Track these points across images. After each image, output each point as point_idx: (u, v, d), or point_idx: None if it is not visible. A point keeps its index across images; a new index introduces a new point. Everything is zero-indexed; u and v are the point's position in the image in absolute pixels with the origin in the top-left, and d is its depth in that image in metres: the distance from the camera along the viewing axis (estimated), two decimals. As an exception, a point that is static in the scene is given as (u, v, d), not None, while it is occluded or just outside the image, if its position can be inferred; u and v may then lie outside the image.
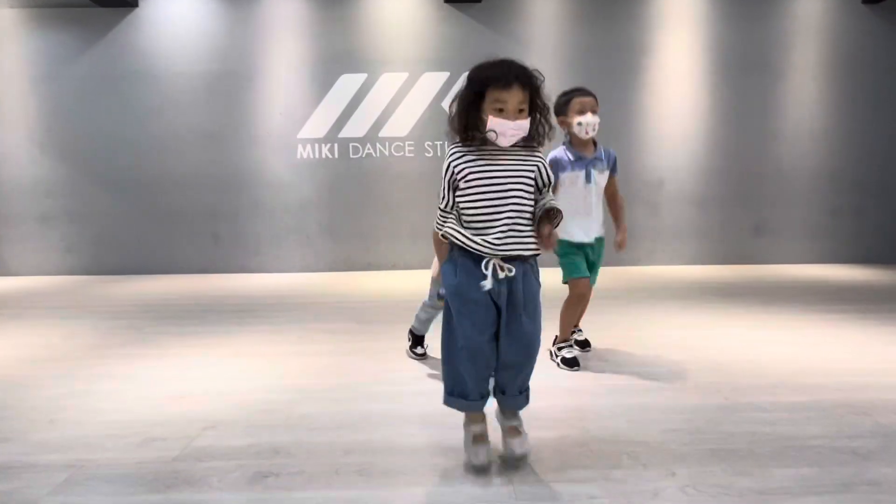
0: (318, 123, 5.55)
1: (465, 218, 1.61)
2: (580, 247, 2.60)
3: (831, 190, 5.71)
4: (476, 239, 1.55)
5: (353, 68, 5.50)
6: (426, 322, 2.76)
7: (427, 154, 5.57)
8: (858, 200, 5.72)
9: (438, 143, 5.55)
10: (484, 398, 1.68)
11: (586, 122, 2.48)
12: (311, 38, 5.49)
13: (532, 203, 1.60)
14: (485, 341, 1.59)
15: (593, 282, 2.69)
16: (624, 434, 1.90)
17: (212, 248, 5.69)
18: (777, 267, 5.52)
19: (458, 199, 1.60)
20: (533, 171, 1.60)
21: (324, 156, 5.59)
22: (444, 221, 1.65)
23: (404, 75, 5.52)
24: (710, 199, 5.69)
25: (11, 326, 3.57)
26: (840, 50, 5.62)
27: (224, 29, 5.45)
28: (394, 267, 5.65)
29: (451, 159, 1.60)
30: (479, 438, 1.68)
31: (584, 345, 2.89)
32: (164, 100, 5.51)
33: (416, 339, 2.78)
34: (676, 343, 2.99)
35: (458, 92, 1.58)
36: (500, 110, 1.50)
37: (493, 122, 1.51)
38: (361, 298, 4.31)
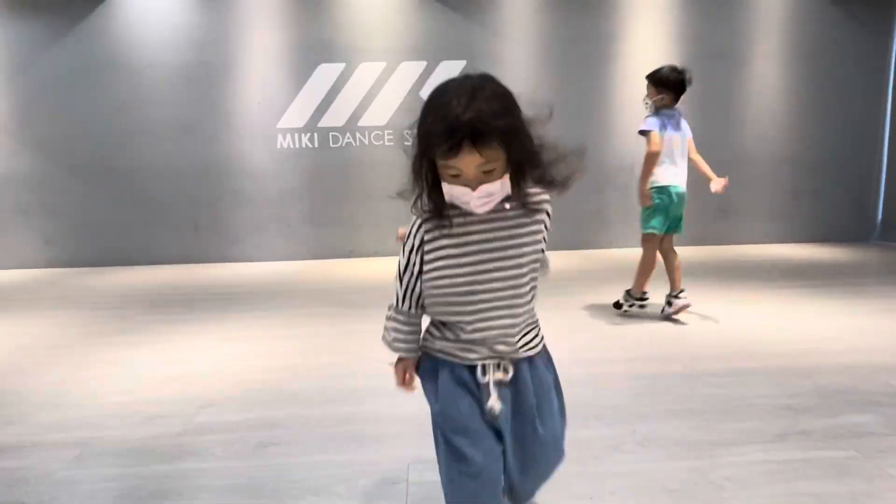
0: (298, 113, 5.60)
1: (437, 312, 1.13)
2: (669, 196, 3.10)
3: (791, 173, 6.01)
4: (455, 347, 1.10)
5: (331, 58, 5.56)
6: None
7: (406, 143, 5.65)
8: (817, 183, 6.03)
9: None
10: None
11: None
12: (288, 27, 5.52)
13: (534, 283, 1.13)
14: (493, 462, 1.10)
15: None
16: (591, 399, 2.10)
17: (192, 239, 5.73)
18: (740, 247, 5.80)
19: (426, 291, 1.11)
20: (537, 236, 1.12)
21: (304, 145, 5.65)
22: (396, 330, 1.16)
23: (382, 64, 5.59)
24: (678, 183, 5.93)
25: (0, 318, 3.62)
26: (801, 39, 5.87)
27: (200, 18, 5.44)
28: (375, 254, 5.77)
29: (423, 233, 1.09)
30: None
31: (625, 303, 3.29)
32: (141, 90, 5.50)
33: None
34: (643, 318, 3.21)
35: (413, 142, 1.07)
36: (456, 176, 1.00)
37: (449, 191, 1.02)
38: (344, 284, 4.44)
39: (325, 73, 5.56)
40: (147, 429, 1.96)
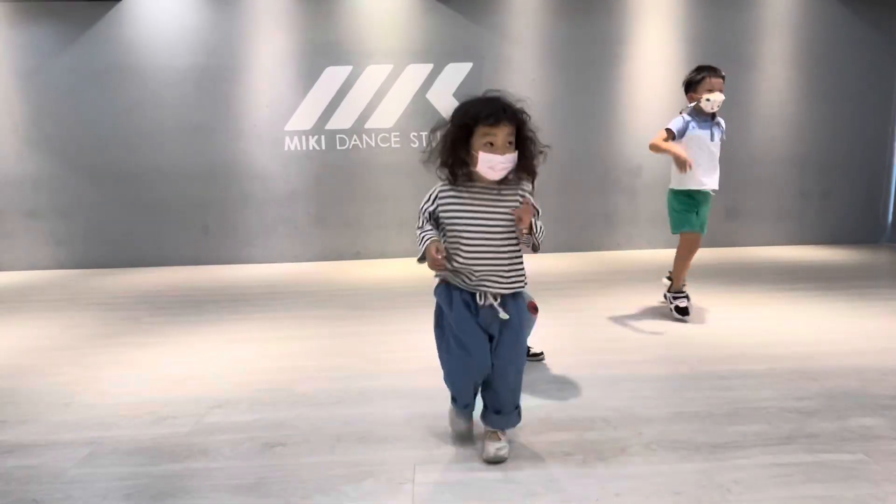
0: (305, 116, 5.64)
1: (449, 250, 1.65)
2: (695, 199, 3.17)
3: (799, 174, 5.97)
4: (460, 277, 1.65)
5: (339, 60, 5.58)
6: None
7: (412, 145, 5.70)
8: (825, 184, 5.99)
9: (423, 133, 5.69)
10: (468, 407, 1.77)
11: (714, 99, 3.01)
12: (296, 30, 5.56)
13: (515, 237, 1.63)
14: (482, 356, 1.64)
15: (704, 231, 3.27)
16: (598, 401, 2.10)
17: (201, 240, 5.77)
18: (748, 249, 5.77)
19: (445, 235, 1.67)
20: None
21: (311, 147, 5.69)
22: (422, 230, 1.69)
23: (389, 67, 5.62)
24: (685, 184, 5.90)
25: (11, 319, 3.66)
26: (809, 40, 5.84)
27: (209, 22, 5.49)
28: (382, 255, 5.79)
29: (438, 190, 1.66)
30: (462, 414, 1.81)
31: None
32: (150, 93, 5.55)
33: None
34: (650, 320, 3.20)
35: (441, 129, 1.62)
36: (490, 144, 1.53)
37: (484, 157, 1.54)
38: (351, 286, 4.46)
39: (333, 76, 5.59)
40: (157, 428, 1.98)
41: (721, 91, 3.05)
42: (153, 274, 5.30)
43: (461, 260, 1.62)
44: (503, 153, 1.54)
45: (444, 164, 1.62)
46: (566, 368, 2.46)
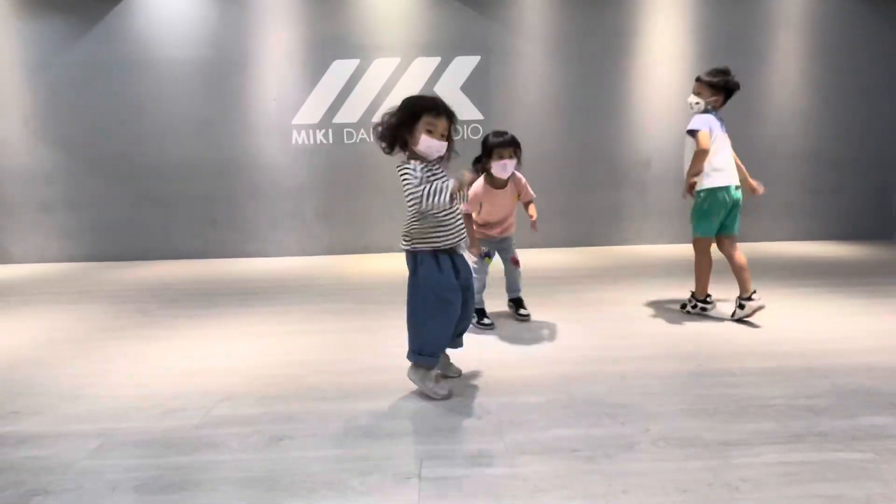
0: (313, 109, 5.64)
1: (438, 219, 2.08)
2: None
3: (810, 169, 5.91)
4: (446, 239, 2.09)
5: (346, 54, 5.58)
6: (479, 292, 2.98)
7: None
8: (836, 179, 5.92)
9: (431, 127, 5.67)
10: (436, 357, 2.18)
11: None
12: (303, 24, 5.55)
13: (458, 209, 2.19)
14: (459, 304, 2.13)
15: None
16: (605, 398, 2.09)
17: (209, 234, 5.81)
18: (758, 244, 5.72)
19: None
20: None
21: (318, 141, 5.69)
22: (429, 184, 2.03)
23: (396, 60, 5.60)
24: (695, 179, 5.85)
25: (24, 311, 3.70)
26: (821, 33, 5.76)
27: (217, 16, 5.50)
28: (389, 249, 5.80)
29: (419, 167, 2.04)
30: (439, 378, 2.23)
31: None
32: (159, 87, 5.57)
33: (479, 312, 3.03)
34: (659, 317, 3.18)
35: (390, 113, 2.03)
36: (430, 131, 1.98)
37: (426, 139, 1.98)
38: (358, 280, 4.47)
39: (340, 70, 5.59)
40: (166, 421, 2.00)
41: None
42: (162, 267, 5.33)
43: (441, 217, 2.07)
44: (440, 140, 2.00)
45: (390, 137, 2.04)
46: (573, 364, 2.46)
